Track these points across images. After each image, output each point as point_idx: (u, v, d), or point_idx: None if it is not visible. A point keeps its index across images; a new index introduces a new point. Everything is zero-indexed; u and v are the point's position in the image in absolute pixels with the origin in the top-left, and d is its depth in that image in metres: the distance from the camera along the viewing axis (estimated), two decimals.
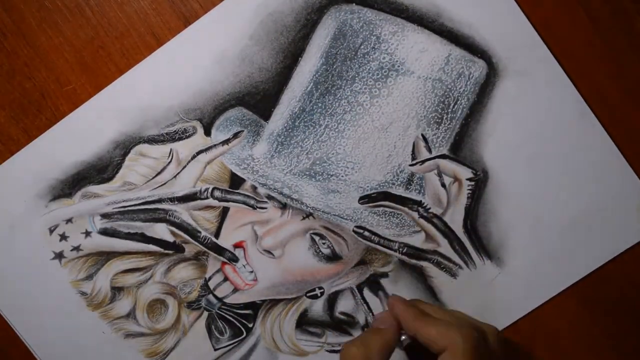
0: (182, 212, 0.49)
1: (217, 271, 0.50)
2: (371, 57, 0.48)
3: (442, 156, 0.49)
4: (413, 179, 0.49)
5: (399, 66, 0.48)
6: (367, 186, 0.49)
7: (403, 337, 0.46)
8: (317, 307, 0.51)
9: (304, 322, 0.51)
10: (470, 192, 0.49)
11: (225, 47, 0.48)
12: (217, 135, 0.49)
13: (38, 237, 0.50)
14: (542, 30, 0.48)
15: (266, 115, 0.49)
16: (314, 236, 0.49)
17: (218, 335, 0.51)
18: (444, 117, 0.49)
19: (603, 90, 0.49)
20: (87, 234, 0.50)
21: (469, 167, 0.49)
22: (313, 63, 0.48)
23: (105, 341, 0.51)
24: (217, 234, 0.50)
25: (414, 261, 0.50)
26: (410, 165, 0.49)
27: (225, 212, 0.50)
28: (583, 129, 0.49)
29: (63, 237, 0.50)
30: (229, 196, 0.49)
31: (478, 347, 0.42)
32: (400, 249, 0.50)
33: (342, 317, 0.51)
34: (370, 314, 0.50)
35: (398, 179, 0.49)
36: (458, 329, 0.43)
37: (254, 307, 0.51)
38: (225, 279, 0.50)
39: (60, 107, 0.49)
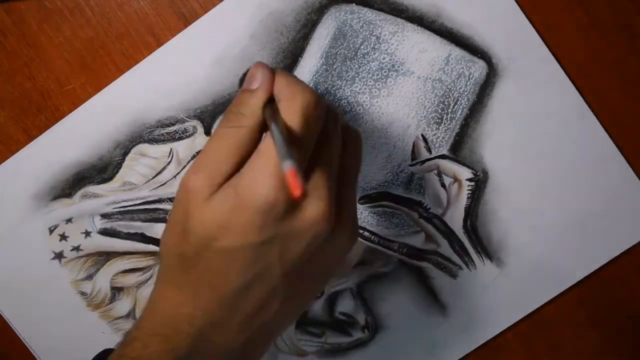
0: None
1: None
2: (371, 57, 0.48)
3: (442, 156, 0.49)
4: (413, 179, 0.49)
5: (399, 66, 0.48)
6: (367, 186, 0.49)
7: None
8: (317, 308, 0.51)
9: (303, 322, 0.51)
10: (470, 192, 0.49)
11: (226, 46, 0.48)
12: None
13: (38, 237, 0.50)
14: (542, 30, 0.48)
15: None
16: None
17: None
18: (444, 118, 0.49)
19: (603, 90, 0.49)
20: (87, 234, 0.50)
21: (469, 167, 0.49)
22: (313, 63, 0.48)
23: (105, 341, 0.51)
24: None
25: (414, 261, 0.50)
26: (410, 165, 0.49)
27: None
28: (583, 129, 0.49)
29: (63, 237, 0.50)
30: None
31: (317, 112, 0.34)
32: (400, 249, 0.50)
33: (341, 317, 0.51)
34: (370, 314, 0.50)
35: (398, 179, 0.49)
36: (306, 87, 0.34)
37: None
38: None
39: (60, 107, 0.49)
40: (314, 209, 0.33)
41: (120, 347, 0.35)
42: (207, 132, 0.49)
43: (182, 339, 0.34)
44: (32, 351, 0.50)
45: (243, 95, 0.35)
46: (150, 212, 0.49)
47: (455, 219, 0.49)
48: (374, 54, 0.48)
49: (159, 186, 0.49)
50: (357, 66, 0.48)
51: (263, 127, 0.34)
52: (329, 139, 0.35)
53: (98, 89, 0.48)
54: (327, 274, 0.38)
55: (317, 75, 0.48)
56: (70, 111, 0.48)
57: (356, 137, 0.38)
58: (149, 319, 0.35)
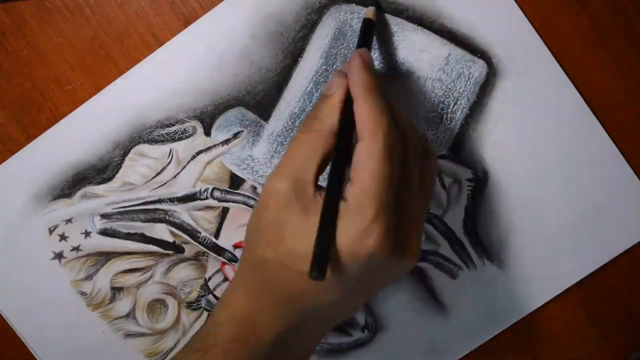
0: (182, 212, 0.49)
1: (217, 271, 0.50)
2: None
3: (442, 156, 0.49)
4: None
5: (399, 66, 0.48)
6: None
7: None
8: None
9: None
10: (470, 192, 0.49)
11: (225, 47, 0.48)
12: (217, 135, 0.49)
13: (38, 237, 0.50)
14: (542, 31, 0.48)
15: (266, 116, 0.49)
16: None
17: None
18: (444, 118, 0.49)
19: (603, 90, 0.49)
20: (87, 234, 0.50)
21: (469, 167, 0.49)
22: (313, 63, 0.48)
23: (105, 341, 0.51)
24: (217, 234, 0.50)
25: None
26: None
27: (225, 212, 0.50)
28: (583, 129, 0.49)
29: (63, 237, 0.50)
30: (228, 196, 0.49)
31: (394, 149, 0.35)
32: None
33: None
34: (370, 314, 0.50)
35: None
36: (387, 120, 0.35)
37: None
38: (225, 279, 0.50)
39: (60, 107, 0.49)
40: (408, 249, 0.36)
41: (199, 353, 0.36)
42: (207, 133, 0.49)
43: (261, 345, 0.36)
44: (32, 351, 0.50)
45: (320, 101, 0.38)
46: (150, 213, 0.49)
47: (455, 219, 0.49)
48: (374, 54, 0.48)
49: (159, 186, 0.49)
50: None
51: (339, 130, 0.36)
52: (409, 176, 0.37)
53: (98, 89, 0.48)
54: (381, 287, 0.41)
55: (317, 75, 0.48)
56: (70, 111, 0.48)
57: (429, 151, 0.41)
58: (226, 323, 0.37)
